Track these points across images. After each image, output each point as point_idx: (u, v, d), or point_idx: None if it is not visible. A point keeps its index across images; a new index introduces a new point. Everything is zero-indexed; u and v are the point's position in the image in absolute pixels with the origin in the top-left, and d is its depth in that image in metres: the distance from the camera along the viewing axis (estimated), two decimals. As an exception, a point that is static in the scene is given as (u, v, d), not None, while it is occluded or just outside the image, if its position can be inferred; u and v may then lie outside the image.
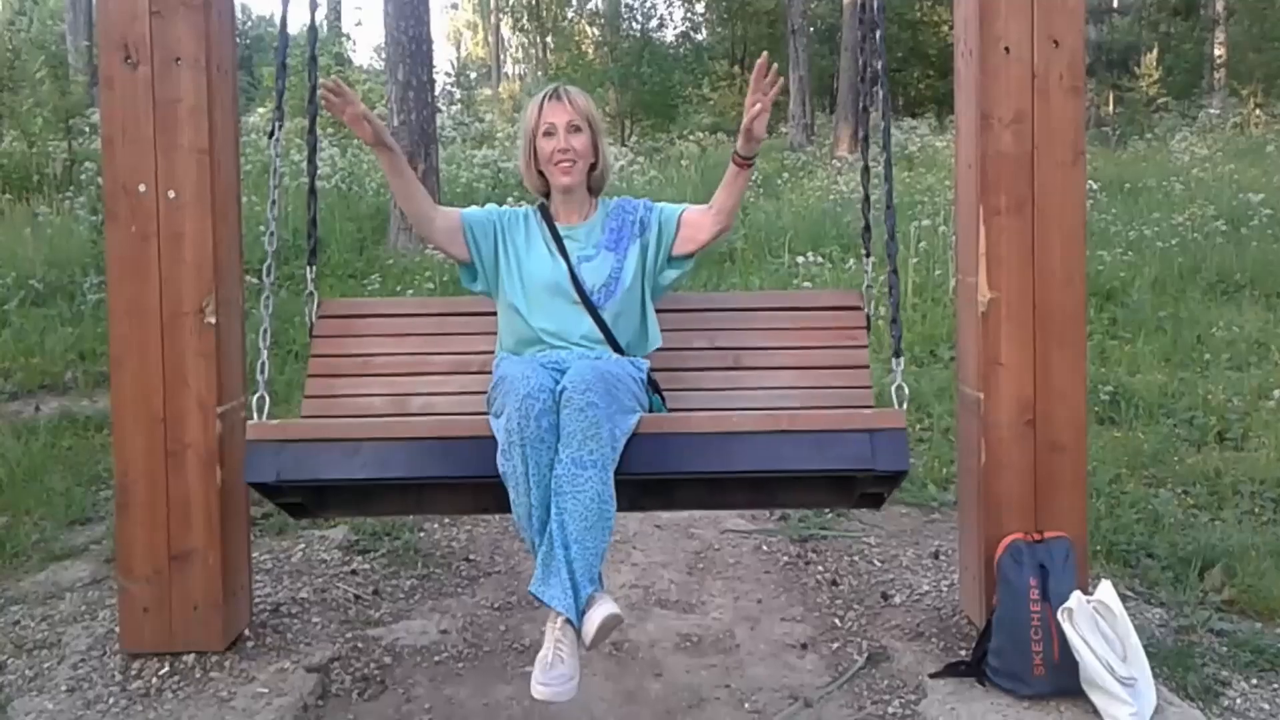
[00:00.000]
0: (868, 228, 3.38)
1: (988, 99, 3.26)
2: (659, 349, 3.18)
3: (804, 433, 2.73)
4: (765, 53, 2.96)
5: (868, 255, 3.36)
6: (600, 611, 2.50)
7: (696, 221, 3.10)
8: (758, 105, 2.82)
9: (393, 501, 3.19)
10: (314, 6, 3.25)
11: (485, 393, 2.95)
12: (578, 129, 3.02)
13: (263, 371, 2.97)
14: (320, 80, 2.91)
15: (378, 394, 3.25)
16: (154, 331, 3.26)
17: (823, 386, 3.24)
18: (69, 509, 4.67)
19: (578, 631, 2.53)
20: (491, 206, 3.21)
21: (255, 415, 2.89)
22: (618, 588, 3.62)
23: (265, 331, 3.01)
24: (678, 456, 2.74)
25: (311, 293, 3.29)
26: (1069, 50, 3.25)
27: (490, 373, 3.02)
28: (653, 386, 3.03)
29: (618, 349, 3.01)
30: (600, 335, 3.00)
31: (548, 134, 3.03)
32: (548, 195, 3.16)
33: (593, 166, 3.10)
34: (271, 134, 3.18)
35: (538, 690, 2.46)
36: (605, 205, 3.17)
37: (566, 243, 3.07)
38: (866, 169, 3.41)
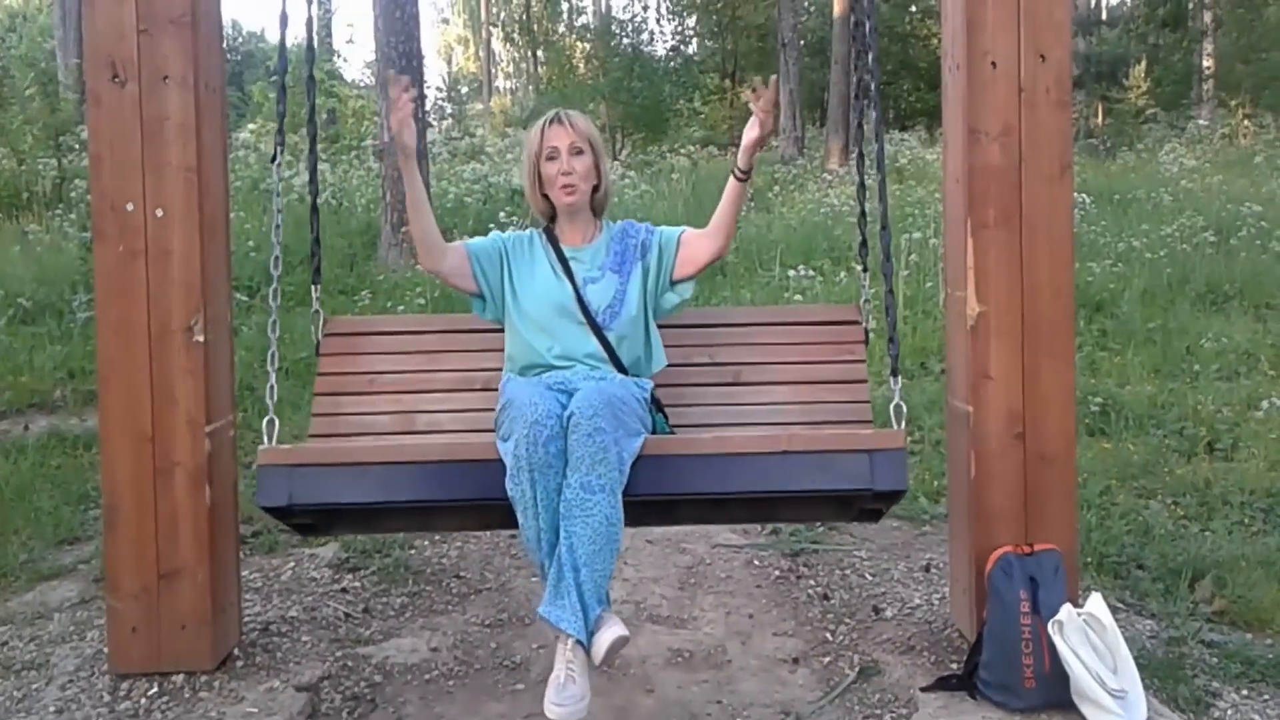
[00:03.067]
0: (864, 243, 3.40)
1: (975, 113, 3.27)
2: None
3: (804, 453, 2.79)
4: (760, 78, 2.99)
5: (865, 270, 3.43)
6: (609, 634, 2.58)
7: (694, 244, 3.15)
8: (757, 129, 2.92)
9: (401, 520, 3.30)
10: (310, 25, 3.40)
11: (489, 410, 3.03)
12: (580, 151, 3.07)
13: (271, 395, 3.06)
14: (395, 75, 2.98)
15: (384, 412, 3.32)
16: (142, 349, 3.25)
17: (821, 402, 3.30)
18: (57, 528, 4.65)
19: (588, 651, 2.58)
20: (495, 233, 3.25)
21: (265, 439, 2.97)
22: (611, 602, 3.59)
23: (272, 355, 3.14)
24: (683, 478, 2.81)
25: (317, 311, 3.33)
26: (1056, 64, 3.27)
27: (494, 390, 3.13)
28: (656, 405, 3.06)
29: (621, 370, 3.05)
30: (605, 355, 3.04)
31: (551, 157, 3.07)
32: (553, 218, 3.19)
33: (595, 188, 3.14)
34: (274, 158, 3.26)
35: (551, 710, 2.51)
36: (610, 228, 3.22)
37: (572, 264, 3.12)
38: (862, 184, 3.41)
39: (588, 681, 2.57)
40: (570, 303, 3.07)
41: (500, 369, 3.21)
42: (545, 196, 3.14)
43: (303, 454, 2.88)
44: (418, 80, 10.68)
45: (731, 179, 3.06)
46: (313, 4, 3.42)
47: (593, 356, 3.05)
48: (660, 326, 3.24)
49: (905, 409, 2.93)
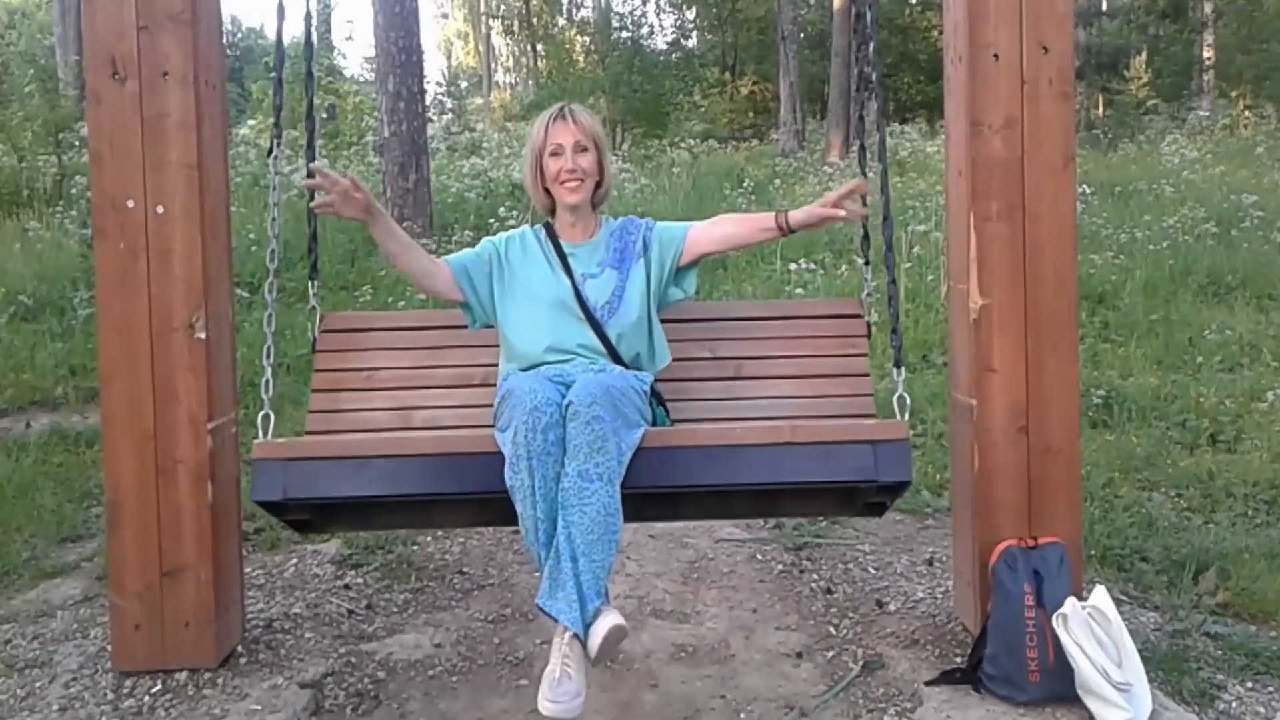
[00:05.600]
0: (866, 237, 3.42)
1: (977, 105, 3.26)
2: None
3: (807, 445, 2.78)
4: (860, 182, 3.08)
5: (866, 264, 3.43)
6: (605, 624, 2.52)
7: (702, 236, 3.16)
8: (834, 211, 3.00)
9: (399, 516, 3.26)
10: (309, 21, 3.33)
11: (487, 406, 3.03)
12: (584, 149, 3.06)
13: (267, 390, 3.05)
14: (307, 181, 2.93)
15: (381, 408, 3.30)
16: (144, 347, 3.25)
17: (824, 396, 3.28)
18: (60, 526, 4.65)
19: (584, 645, 2.53)
20: (487, 240, 3.22)
21: (261, 433, 2.94)
22: (611, 599, 3.58)
23: (268, 349, 3.11)
24: (683, 470, 2.79)
25: (314, 307, 3.34)
26: (1058, 55, 3.26)
27: (493, 385, 3.14)
28: (656, 398, 3.07)
29: (621, 365, 3.04)
30: (603, 349, 3.03)
31: (555, 154, 3.06)
32: (552, 212, 3.19)
33: (598, 184, 3.13)
34: (270, 152, 3.25)
35: (545, 706, 2.45)
36: (609, 224, 3.21)
37: (570, 260, 3.11)
38: (864, 177, 3.34)
39: (584, 677, 2.51)
40: (569, 298, 3.07)
41: (498, 365, 3.21)
42: (547, 191, 3.14)
43: (297, 448, 2.86)
44: (418, 75, 10.66)
45: (774, 223, 3.11)
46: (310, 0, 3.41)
47: (590, 349, 3.03)
48: (662, 321, 3.22)
49: (909, 400, 2.97)
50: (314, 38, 3.34)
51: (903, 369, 3.04)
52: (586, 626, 2.53)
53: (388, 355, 3.39)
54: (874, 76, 3.37)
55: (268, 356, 3.10)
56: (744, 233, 3.19)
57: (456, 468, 2.79)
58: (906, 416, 2.93)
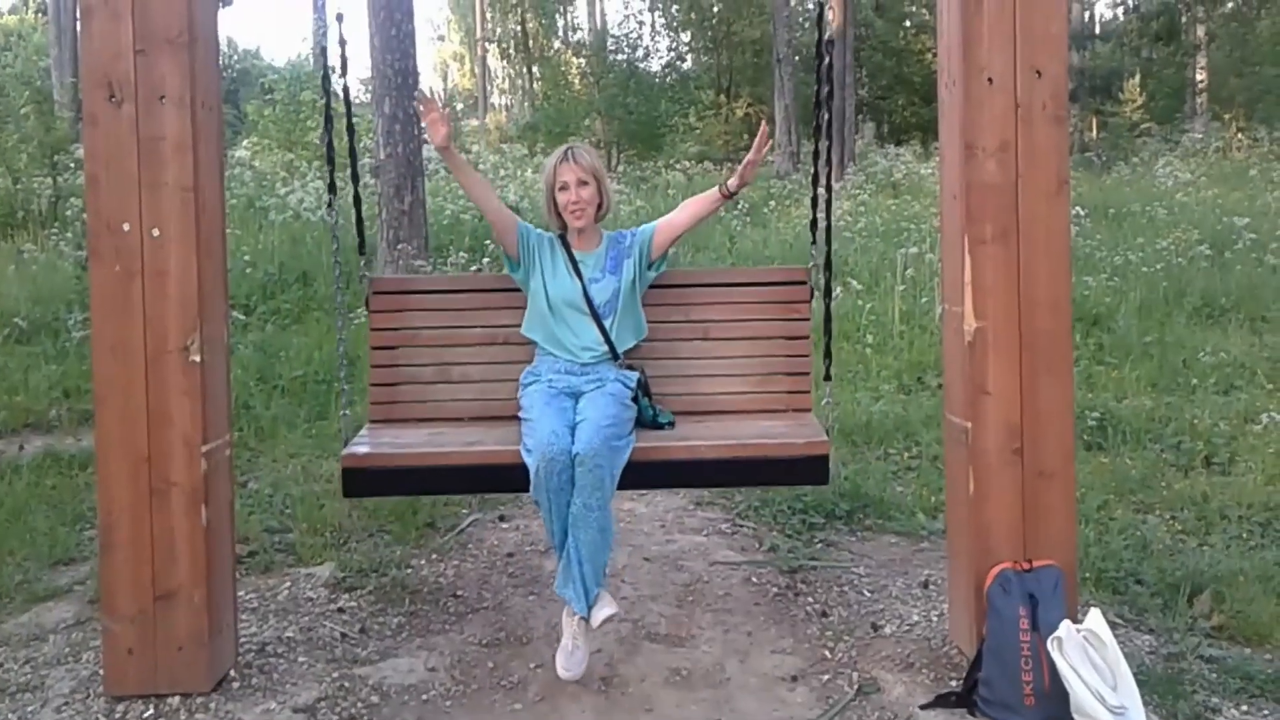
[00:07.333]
0: (814, 222, 4.04)
1: (971, 129, 3.28)
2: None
3: (755, 459, 3.56)
4: (765, 124, 4.00)
5: (814, 242, 4.09)
6: (602, 613, 3.40)
7: (667, 229, 3.93)
8: (754, 159, 3.78)
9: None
10: (343, 44, 4.02)
11: (509, 363, 3.96)
12: (585, 183, 3.83)
13: (343, 398, 3.87)
14: (420, 93, 3.68)
15: (426, 364, 4.07)
16: (138, 370, 3.24)
17: (772, 355, 4.04)
18: (53, 549, 4.62)
19: (588, 621, 3.39)
20: (529, 225, 3.94)
21: (344, 439, 3.75)
22: (606, 616, 3.61)
23: (343, 363, 3.95)
24: (658, 476, 3.65)
25: (364, 275, 4.16)
26: (1052, 79, 3.28)
27: (515, 344, 3.96)
28: (643, 390, 3.77)
29: (614, 351, 3.82)
30: (602, 339, 3.81)
31: (562, 189, 3.83)
32: (565, 229, 3.92)
33: (599, 206, 3.89)
34: (330, 204, 4.10)
35: (563, 673, 3.36)
36: (608, 236, 3.96)
37: (580, 266, 3.86)
38: (816, 176, 4.03)
39: (587, 647, 3.42)
40: (579, 298, 3.81)
41: (517, 325, 3.93)
42: (559, 215, 3.89)
43: (376, 460, 3.60)
44: (413, 97, 10.67)
45: (718, 193, 3.88)
46: (341, 25, 3.89)
47: (594, 340, 3.80)
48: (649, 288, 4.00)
49: (836, 412, 3.88)
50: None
51: (831, 382, 3.88)
52: (589, 607, 3.38)
53: (426, 316, 4.12)
54: (825, 92, 3.84)
55: (342, 368, 3.97)
56: (700, 209, 3.91)
57: (493, 473, 3.56)
58: (832, 426, 3.76)
